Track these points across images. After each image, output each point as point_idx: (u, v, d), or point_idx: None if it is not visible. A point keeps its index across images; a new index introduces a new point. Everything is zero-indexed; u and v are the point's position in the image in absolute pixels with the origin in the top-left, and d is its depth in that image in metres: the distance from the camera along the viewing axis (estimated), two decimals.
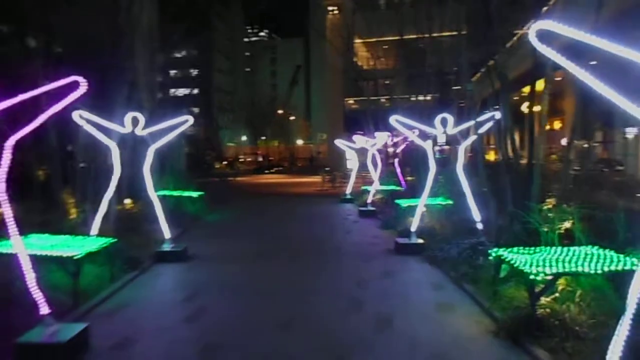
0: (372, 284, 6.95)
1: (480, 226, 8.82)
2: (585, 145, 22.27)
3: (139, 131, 8.49)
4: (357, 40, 43.42)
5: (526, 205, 7.81)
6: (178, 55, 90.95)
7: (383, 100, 45.40)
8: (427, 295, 6.41)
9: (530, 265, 4.85)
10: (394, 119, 9.05)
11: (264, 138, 68.31)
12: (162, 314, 5.80)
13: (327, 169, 35.37)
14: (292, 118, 73.78)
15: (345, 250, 9.64)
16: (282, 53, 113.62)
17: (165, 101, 67.73)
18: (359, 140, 18.59)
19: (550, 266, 4.83)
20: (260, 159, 61.16)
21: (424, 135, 13.23)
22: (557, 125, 28.48)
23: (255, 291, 6.74)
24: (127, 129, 8.45)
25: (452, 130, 8.98)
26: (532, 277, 4.66)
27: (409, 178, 16.75)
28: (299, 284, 7.10)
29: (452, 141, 13.55)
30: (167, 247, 8.61)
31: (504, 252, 5.50)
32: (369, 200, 15.00)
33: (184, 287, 7.12)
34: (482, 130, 8.81)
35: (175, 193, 13.79)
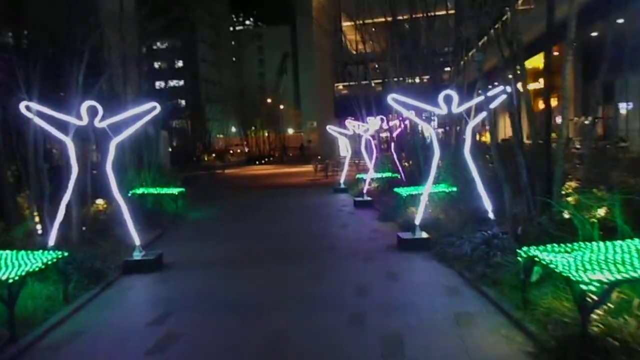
0: (375, 291, 5.92)
1: (492, 216, 7.81)
2: (587, 122, 21.35)
3: (98, 123, 7.35)
4: (346, 23, 42.23)
5: (547, 190, 6.81)
6: (162, 46, 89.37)
7: (374, 84, 44.32)
8: (441, 304, 5.38)
9: (577, 270, 3.83)
10: (391, 98, 7.96)
11: (253, 128, 66.90)
12: (121, 344, 4.73)
13: (319, 157, 34.36)
14: (281, 107, 72.30)
15: (342, 248, 8.59)
16: (269, 41, 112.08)
17: (151, 93, 66.31)
18: (352, 125, 17.53)
19: (603, 270, 3.81)
20: (247, 149, 59.86)
21: (419, 117, 12.18)
22: (553, 102, 27.55)
23: (237, 308, 5.68)
24: (84, 120, 7.32)
25: (457, 108, 7.92)
26: (583, 286, 3.64)
27: (405, 164, 15.71)
28: (290, 295, 6.04)
29: (452, 122, 12.58)
30: (137, 256, 7.51)
31: (536, 252, 4.48)
32: (364, 190, 13.96)
33: (153, 305, 6.05)
34: (493, 105, 7.73)
35: (154, 190, 12.67)
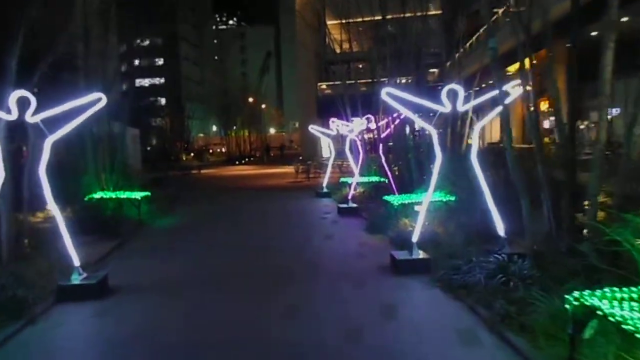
0: (368, 337, 4.66)
1: (502, 233, 6.65)
2: (582, 127, 20.52)
3: (30, 117, 5.96)
4: (331, 21, 41.08)
5: (572, 206, 5.66)
6: (142, 43, 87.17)
7: (359, 83, 43.17)
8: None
9: None
10: (386, 93, 6.74)
11: (235, 128, 65.27)
12: None
13: (300, 158, 33.07)
14: (263, 106, 70.79)
15: (325, 267, 7.32)
16: (252, 41, 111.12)
17: (130, 91, 64.14)
18: (335, 125, 16.30)
19: None
20: (225, 149, 58.26)
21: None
22: (542, 106, 26.79)
23: (197, 355, 4.38)
24: (12, 114, 5.92)
25: (462, 105, 6.73)
26: None
27: (394, 168, 14.54)
28: (256, 341, 4.74)
29: (449, 121, 11.41)
30: (76, 279, 6.13)
31: (594, 301, 3.28)
32: (349, 196, 12.73)
33: (83, 353, 4.70)
34: (508, 101, 6.54)
35: (113, 195, 11.23)
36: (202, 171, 28.43)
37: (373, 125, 16.09)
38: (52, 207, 6.22)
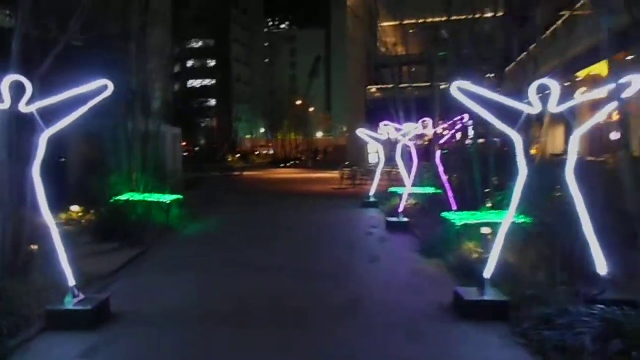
0: None
1: (603, 272, 5.11)
2: None
3: (24, 107, 4.97)
4: (383, 23, 39.71)
5: None
6: (195, 45, 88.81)
7: (412, 87, 41.55)
8: None
9: None
10: (456, 87, 5.33)
11: (282, 131, 64.93)
12: None
13: (346, 163, 31.78)
14: (311, 110, 70.00)
15: (368, 305, 5.91)
16: (302, 44, 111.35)
17: (182, 92, 64.94)
18: (387, 129, 14.89)
19: None
20: (272, 152, 57.78)
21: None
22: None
23: None
24: (5, 103, 4.96)
25: (555, 106, 5.23)
26: None
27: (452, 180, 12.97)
28: None
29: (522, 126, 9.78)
30: (69, 303, 5.07)
31: None
32: (400, 209, 11.28)
33: None
34: (625, 95, 4.96)
35: (140, 197, 10.32)
36: (245, 173, 27.63)
37: (429, 131, 14.62)
38: (45, 214, 5.19)
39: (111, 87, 5.14)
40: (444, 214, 8.66)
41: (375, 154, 42.45)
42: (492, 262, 5.37)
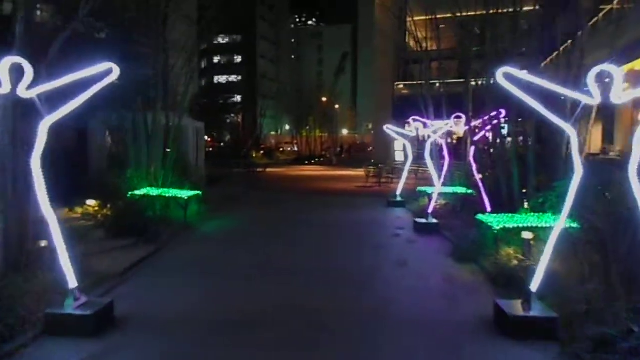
0: None
1: None
2: None
3: (23, 91, 4.56)
4: (412, 19, 38.93)
5: None
6: (222, 41, 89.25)
7: (442, 83, 40.61)
8: None
9: None
10: (502, 74, 4.70)
11: (307, 127, 64.53)
12: None
13: (372, 161, 31.10)
14: (336, 107, 69.35)
15: (399, 317, 5.35)
16: (329, 40, 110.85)
17: (208, 88, 65.16)
18: (416, 126, 14.23)
19: None
20: (296, 148, 57.41)
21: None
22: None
23: None
24: (4, 87, 4.56)
25: (620, 95, 4.55)
26: None
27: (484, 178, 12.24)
28: None
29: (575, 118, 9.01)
30: (69, 306, 4.65)
31: None
32: (429, 209, 10.62)
33: None
34: None
35: (157, 192, 9.94)
36: (268, 169, 27.19)
37: (461, 128, 13.88)
38: (44, 208, 4.75)
39: (117, 71, 4.69)
40: (479, 216, 8.00)
41: (401, 152, 41.70)
42: (539, 273, 4.73)
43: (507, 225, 7.11)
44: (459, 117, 10.94)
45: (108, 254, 7.60)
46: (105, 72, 4.69)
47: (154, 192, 9.90)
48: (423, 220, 10.46)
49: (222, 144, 53.83)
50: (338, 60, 75.66)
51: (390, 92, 41.24)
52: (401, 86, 42.11)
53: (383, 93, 41.39)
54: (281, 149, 58.98)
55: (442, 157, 11.66)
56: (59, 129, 5.17)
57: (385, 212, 13.23)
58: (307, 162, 43.62)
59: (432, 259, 7.90)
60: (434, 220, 10.39)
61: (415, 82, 42.30)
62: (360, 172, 26.98)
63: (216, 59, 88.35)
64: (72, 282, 4.74)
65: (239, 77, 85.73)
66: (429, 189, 12.41)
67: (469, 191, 11.75)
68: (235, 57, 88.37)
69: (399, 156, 40.60)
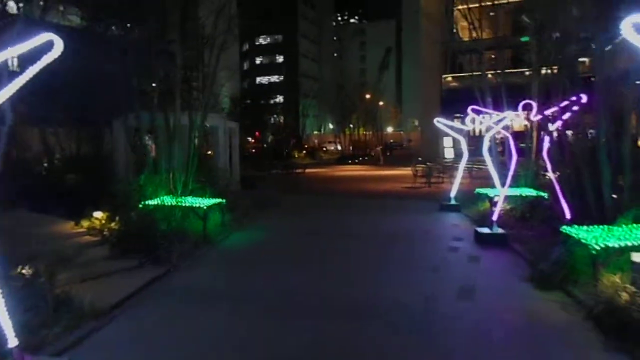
0: None
1: None
2: None
3: None
4: (461, 7, 36.71)
5: None
6: (263, 42, 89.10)
7: (492, 74, 38.09)
8: None
9: None
10: (631, 24, 2.99)
11: (351, 126, 62.94)
12: None
13: (419, 159, 29.17)
14: (381, 104, 67.28)
15: None
16: (372, 37, 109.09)
17: (250, 89, 64.80)
18: (473, 118, 12.41)
19: None
20: (340, 147, 55.86)
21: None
22: None
23: None
24: None
25: None
26: None
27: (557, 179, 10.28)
28: None
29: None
30: None
31: None
32: (494, 216, 8.80)
33: None
34: None
35: (173, 201, 8.67)
36: (309, 170, 25.77)
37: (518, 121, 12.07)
38: None
39: (59, 45, 3.32)
40: (566, 229, 6.20)
41: (451, 149, 39.31)
42: None
43: (610, 244, 5.30)
44: (527, 107, 9.02)
45: (105, 278, 6.37)
46: (47, 45, 3.33)
47: (169, 200, 8.64)
48: (486, 230, 8.69)
49: (265, 145, 53.18)
50: (381, 56, 73.67)
51: (438, 86, 39.02)
52: (449, 79, 39.78)
53: (430, 87, 39.20)
54: (324, 148, 57.60)
55: (509, 154, 9.79)
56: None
57: (438, 219, 11.49)
58: (350, 162, 42.04)
59: (504, 284, 6.17)
60: (500, 230, 8.60)
61: (466, 74, 39.97)
62: (406, 171, 25.20)
63: (258, 60, 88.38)
64: (11, 338, 3.41)
65: (281, 77, 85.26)
66: (489, 191, 10.59)
67: (540, 193, 9.84)
68: (277, 57, 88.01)
69: (448, 153, 38.35)
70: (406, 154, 47.70)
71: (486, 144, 11.99)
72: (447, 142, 39.11)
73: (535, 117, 8.99)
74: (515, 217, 9.66)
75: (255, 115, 51.52)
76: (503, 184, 11.43)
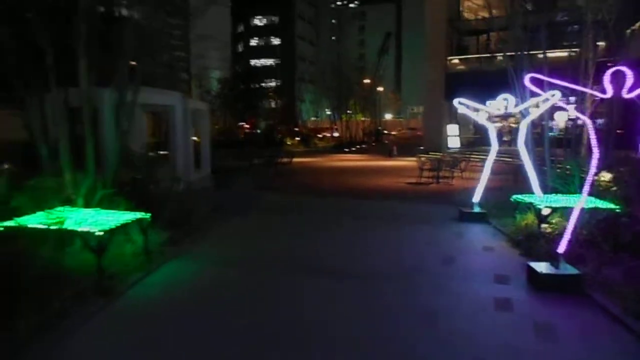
0: None
1: None
2: None
3: None
4: None
5: None
6: (258, 23, 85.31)
7: (500, 57, 35.11)
8: None
9: None
10: None
11: (349, 112, 59.56)
12: None
13: (421, 148, 26.09)
14: (380, 89, 63.78)
15: None
16: (372, 21, 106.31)
17: (244, 73, 61.15)
18: (503, 102, 9.33)
19: None
20: (336, 134, 52.63)
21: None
22: None
23: None
24: None
25: None
26: None
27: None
28: None
29: None
30: None
31: None
32: (560, 247, 5.59)
33: None
34: None
35: (49, 221, 5.45)
36: (298, 160, 22.44)
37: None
38: None
39: None
40: None
41: (455, 137, 36.01)
42: None
43: None
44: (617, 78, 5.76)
45: None
46: None
47: (41, 220, 5.42)
48: (548, 269, 5.51)
49: (258, 131, 49.91)
50: (381, 41, 70.29)
51: (443, 69, 35.66)
52: (456, 61, 36.40)
53: (434, 70, 35.80)
54: (320, 136, 54.29)
55: (587, 148, 6.63)
56: None
57: (460, 235, 8.31)
58: (346, 150, 38.81)
59: None
60: (571, 270, 5.44)
61: (477, 56, 36.64)
62: (408, 162, 22.12)
63: (253, 42, 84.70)
64: None
65: (277, 61, 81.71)
66: (534, 199, 7.48)
67: (608, 205, 6.69)
68: (272, 40, 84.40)
69: (452, 142, 35.12)
70: (406, 142, 44.47)
71: (522, 134, 8.96)
72: (452, 130, 35.93)
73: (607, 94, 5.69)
74: (583, 240, 6.50)
75: (249, 100, 48.17)
76: (543, 188, 8.39)
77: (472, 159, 18.54)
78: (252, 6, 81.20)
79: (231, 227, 8.73)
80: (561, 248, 5.51)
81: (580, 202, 5.60)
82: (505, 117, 9.66)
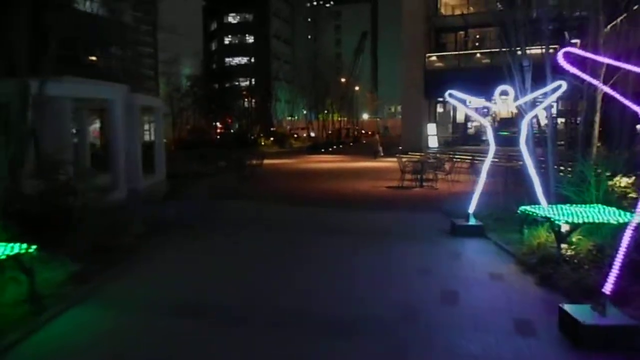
0: None
1: None
2: None
3: None
4: None
5: None
6: (232, 20, 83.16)
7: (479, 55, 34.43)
8: None
9: None
10: None
11: (326, 112, 58.05)
12: None
13: (399, 148, 24.72)
14: (356, 88, 62.45)
15: None
16: (347, 20, 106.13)
17: (217, 72, 58.94)
18: (500, 95, 7.86)
19: None
20: (312, 134, 51.13)
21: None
22: None
23: None
24: None
25: None
26: None
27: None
28: None
29: None
30: None
31: None
32: (607, 286, 4.07)
33: None
34: None
35: None
36: (269, 162, 20.66)
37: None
38: None
39: None
40: None
41: (434, 137, 34.69)
42: None
43: None
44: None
45: None
46: None
47: None
48: (594, 318, 3.98)
49: (232, 131, 48.05)
50: (356, 41, 69.34)
51: (421, 67, 34.41)
52: (434, 58, 35.18)
53: (412, 68, 34.51)
54: (295, 135, 52.49)
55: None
56: None
57: (456, 257, 6.78)
58: (323, 150, 37.26)
59: None
60: (625, 319, 3.94)
61: (453, 53, 35.51)
62: (388, 163, 20.70)
63: (227, 40, 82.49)
64: None
65: (251, 59, 79.69)
66: (546, 211, 6.01)
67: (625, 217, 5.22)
68: (247, 38, 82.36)
69: (432, 142, 33.88)
70: (382, 142, 43.14)
71: (524, 131, 7.56)
72: (431, 129, 34.75)
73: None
74: (603, 262, 5.02)
75: (222, 99, 46.12)
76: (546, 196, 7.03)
77: (455, 160, 17.18)
78: (226, 3, 79.13)
79: (171, 251, 6.98)
80: (607, 287, 4.00)
81: (634, 221, 4.09)
82: (485, 114, 8.35)
